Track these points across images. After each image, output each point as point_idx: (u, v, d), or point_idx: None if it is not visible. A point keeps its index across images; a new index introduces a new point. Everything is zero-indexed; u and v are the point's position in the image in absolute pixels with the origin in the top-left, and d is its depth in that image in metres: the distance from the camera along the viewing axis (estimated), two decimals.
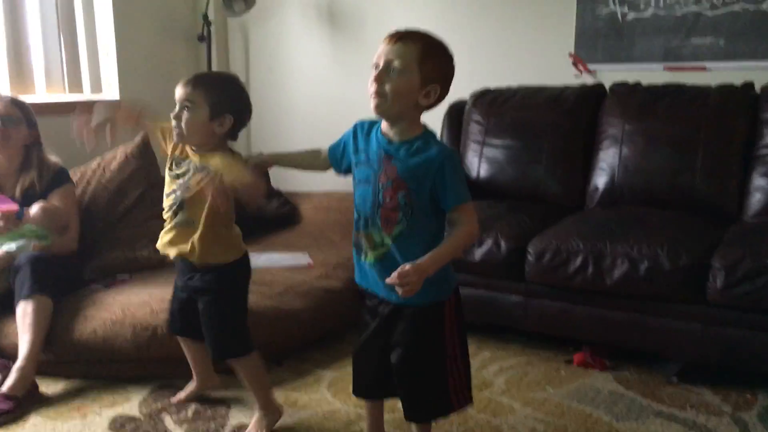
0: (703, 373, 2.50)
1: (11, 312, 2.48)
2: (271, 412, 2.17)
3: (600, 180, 3.08)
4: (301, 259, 3.20)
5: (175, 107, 1.96)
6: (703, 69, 3.17)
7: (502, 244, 2.68)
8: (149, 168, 3.25)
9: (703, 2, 3.13)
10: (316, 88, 4.19)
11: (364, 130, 1.77)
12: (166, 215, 2.05)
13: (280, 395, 2.37)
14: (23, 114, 2.79)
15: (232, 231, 2.10)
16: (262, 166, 1.96)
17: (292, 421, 2.22)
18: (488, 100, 3.39)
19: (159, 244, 2.09)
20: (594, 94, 3.25)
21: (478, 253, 2.71)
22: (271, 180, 4.05)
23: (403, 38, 1.64)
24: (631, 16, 3.29)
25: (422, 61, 1.62)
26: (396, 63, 1.62)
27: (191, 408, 2.31)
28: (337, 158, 1.84)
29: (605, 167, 3.08)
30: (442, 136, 3.48)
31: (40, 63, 3.67)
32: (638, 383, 2.50)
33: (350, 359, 1.91)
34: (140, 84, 4.06)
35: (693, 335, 2.43)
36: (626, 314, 2.53)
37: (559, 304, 2.64)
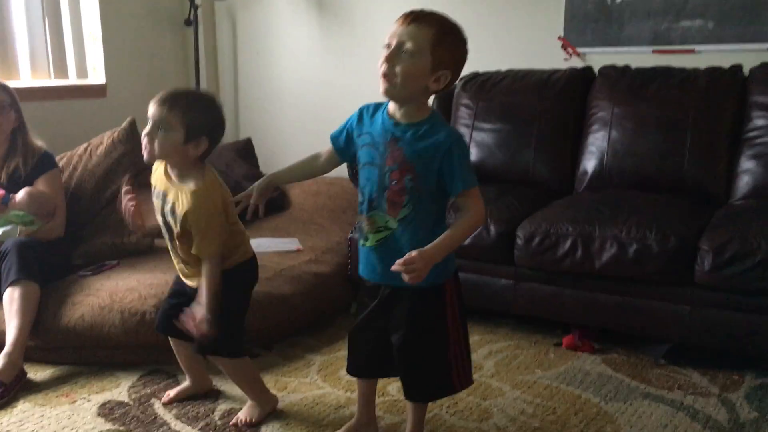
0: (691, 355, 2.52)
1: None
2: (265, 401, 2.15)
3: (589, 163, 3.09)
4: (290, 244, 3.19)
5: (148, 123, 1.88)
6: (692, 52, 3.17)
7: (492, 227, 2.68)
8: (136, 153, 3.20)
9: None
10: (304, 71, 4.17)
11: (369, 112, 1.75)
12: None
13: (270, 380, 2.36)
14: (11, 99, 2.76)
15: (232, 246, 2.00)
16: (264, 192, 1.89)
17: (282, 405, 2.21)
18: (477, 84, 3.38)
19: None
20: (583, 77, 3.24)
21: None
22: (260, 164, 4.05)
23: (417, 20, 1.60)
24: None
25: (435, 45, 1.59)
26: (408, 45, 1.58)
27: None
28: (341, 146, 1.81)
29: (594, 150, 3.08)
30: None
31: (25, 48, 3.64)
32: (626, 365, 2.51)
33: (341, 343, 1.92)
34: (127, 69, 4.02)
35: (681, 317, 2.44)
36: (615, 297, 2.54)
37: (548, 288, 2.65)
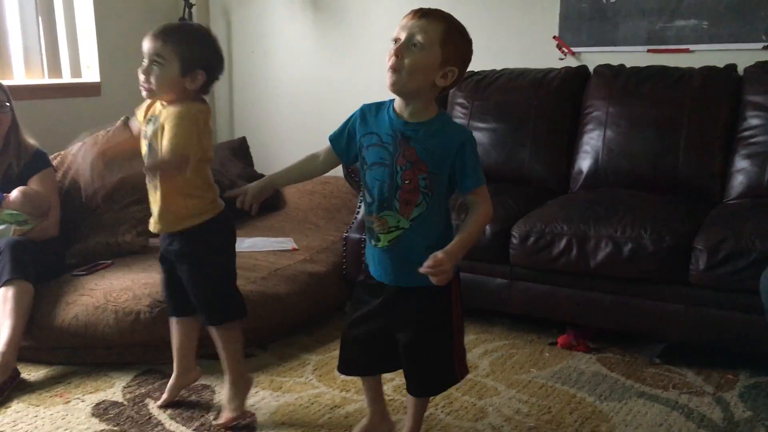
0: (686, 354, 2.52)
1: None
2: (243, 381, 2.13)
3: (584, 163, 3.09)
4: (284, 243, 3.19)
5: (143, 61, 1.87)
6: (687, 51, 3.18)
7: (487, 227, 2.67)
8: None
9: None
10: (299, 69, 4.16)
11: (372, 111, 1.73)
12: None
13: (265, 380, 2.36)
14: (7, 98, 2.75)
15: (203, 194, 1.98)
16: (260, 194, 1.85)
17: (278, 405, 2.21)
18: (472, 83, 3.38)
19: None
20: (578, 76, 3.25)
21: None
22: (255, 163, 4.04)
23: (427, 15, 1.61)
24: None
25: (444, 40, 1.60)
26: (419, 37, 1.58)
27: None
28: (342, 147, 1.78)
29: (589, 150, 3.08)
30: None
31: (19, 47, 3.62)
32: (621, 364, 2.51)
33: (336, 343, 1.90)
34: (121, 67, 4.00)
35: (675, 316, 2.45)
36: (609, 296, 2.54)
37: (543, 287, 2.65)
